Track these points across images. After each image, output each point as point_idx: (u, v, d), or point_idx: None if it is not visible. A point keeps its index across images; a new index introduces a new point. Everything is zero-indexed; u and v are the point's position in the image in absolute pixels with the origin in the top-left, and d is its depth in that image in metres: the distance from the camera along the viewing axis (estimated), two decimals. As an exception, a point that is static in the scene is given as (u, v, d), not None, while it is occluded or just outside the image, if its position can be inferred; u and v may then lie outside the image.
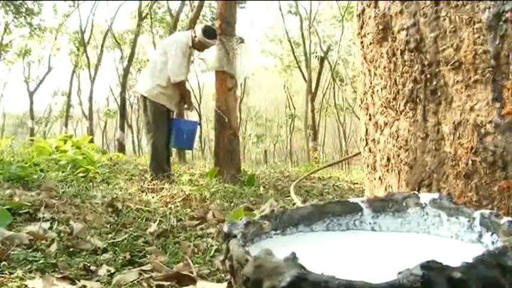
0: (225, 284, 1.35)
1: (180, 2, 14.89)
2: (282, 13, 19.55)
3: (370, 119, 1.10)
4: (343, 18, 17.76)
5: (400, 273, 0.45)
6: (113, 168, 5.14)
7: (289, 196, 3.20)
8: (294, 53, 19.77)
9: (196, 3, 12.13)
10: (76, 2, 18.69)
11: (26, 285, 1.25)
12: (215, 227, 2.20)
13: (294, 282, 0.45)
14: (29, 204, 2.12)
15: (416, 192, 0.79)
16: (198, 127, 4.71)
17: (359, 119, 1.21)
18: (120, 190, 3.22)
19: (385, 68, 1.01)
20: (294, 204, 1.99)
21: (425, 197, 0.77)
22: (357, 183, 5.68)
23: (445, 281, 0.45)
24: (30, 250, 1.54)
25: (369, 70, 1.08)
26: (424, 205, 0.76)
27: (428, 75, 0.92)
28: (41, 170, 3.44)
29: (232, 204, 3.06)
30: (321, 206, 0.79)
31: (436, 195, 0.76)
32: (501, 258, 0.49)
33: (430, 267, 0.45)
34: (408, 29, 0.95)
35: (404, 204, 0.78)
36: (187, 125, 4.46)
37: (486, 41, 0.83)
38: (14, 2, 16.05)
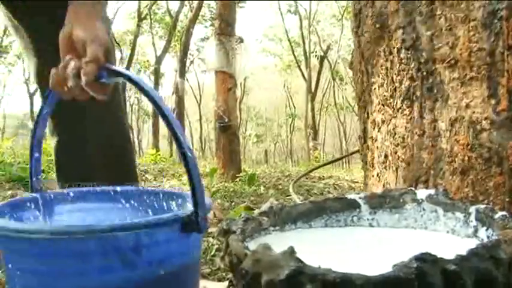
0: (226, 283, 1.36)
1: (179, 2, 14.91)
2: (281, 12, 19.56)
3: (367, 117, 1.11)
4: (342, 17, 17.77)
5: (395, 265, 0.46)
6: (113, 168, 5.13)
7: (289, 195, 3.21)
8: (293, 53, 19.76)
9: (195, 3, 12.14)
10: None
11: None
12: (216, 226, 2.20)
13: (291, 275, 0.46)
14: (31, 204, 2.13)
15: (413, 189, 0.80)
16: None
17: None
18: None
19: (382, 66, 1.02)
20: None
21: (422, 193, 0.78)
22: (357, 182, 5.68)
23: (439, 273, 0.46)
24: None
25: (366, 68, 1.09)
26: (421, 201, 0.77)
27: (424, 73, 0.93)
28: (42, 171, 3.44)
29: (233, 203, 3.07)
30: (319, 203, 0.80)
31: (432, 191, 0.77)
32: (494, 251, 0.50)
33: (424, 259, 0.46)
34: (404, 27, 0.96)
35: (401, 200, 0.79)
36: None
37: (481, 38, 0.84)
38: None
